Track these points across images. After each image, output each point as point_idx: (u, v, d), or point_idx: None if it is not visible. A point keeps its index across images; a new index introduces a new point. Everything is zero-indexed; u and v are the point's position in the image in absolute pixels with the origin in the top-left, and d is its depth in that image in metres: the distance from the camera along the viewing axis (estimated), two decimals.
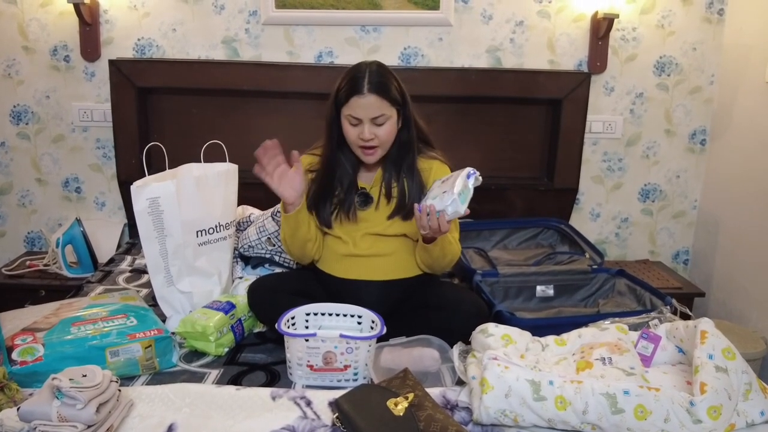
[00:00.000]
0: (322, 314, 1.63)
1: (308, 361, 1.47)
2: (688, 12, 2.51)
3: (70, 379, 1.21)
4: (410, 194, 1.72)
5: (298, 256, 1.81)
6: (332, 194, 1.75)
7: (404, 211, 1.72)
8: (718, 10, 2.51)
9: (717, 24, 2.53)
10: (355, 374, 1.49)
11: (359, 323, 1.62)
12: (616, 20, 2.42)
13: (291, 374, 1.52)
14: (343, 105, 1.64)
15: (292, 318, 1.59)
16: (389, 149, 1.71)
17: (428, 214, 1.51)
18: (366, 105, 1.61)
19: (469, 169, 1.53)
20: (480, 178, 1.53)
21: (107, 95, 2.50)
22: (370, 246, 1.74)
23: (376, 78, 1.62)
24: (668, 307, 1.73)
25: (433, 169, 1.75)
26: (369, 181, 1.78)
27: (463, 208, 1.49)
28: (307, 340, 1.46)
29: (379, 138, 1.65)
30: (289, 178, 1.64)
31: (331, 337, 1.46)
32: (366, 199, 1.76)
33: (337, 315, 1.63)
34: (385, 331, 1.51)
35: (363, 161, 1.71)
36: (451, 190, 1.49)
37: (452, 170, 1.77)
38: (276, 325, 1.51)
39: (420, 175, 1.73)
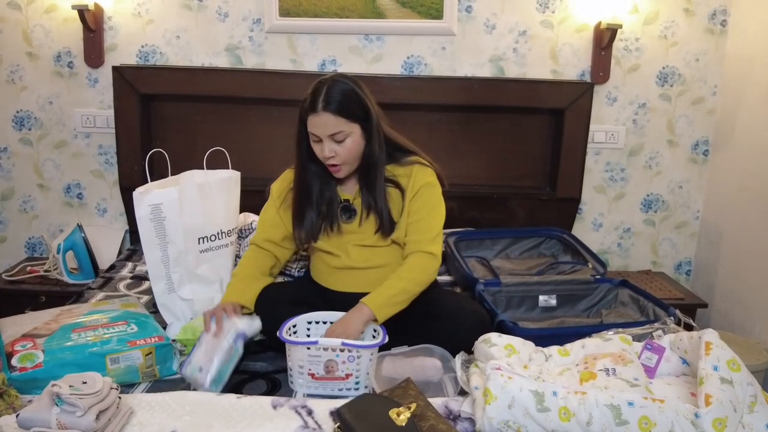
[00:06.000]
0: (324, 323, 1.62)
1: (309, 370, 1.46)
2: (690, 23, 2.52)
3: (69, 386, 1.21)
4: (384, 209, 1.68)
5: None
6: (312, 207, 1.72)
7: (385, 228, 1.69)
8: (720, 21, 2.52)
9: (720, 35, 2.53)
10: (357, 383, 1.48)
11: (361, 332, 1.61)
12: (619, 31, 2.43)
13: (292, 383, 1.51)
14: (306, 122, 1.63)
15: (294, 326, 1.59)
16: (361, 163, 1.68)
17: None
18: (321, 123, 1.58)
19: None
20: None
21: (110, 101, 2.51)
22: (367, 259, 1.72)
23: (330, 95, 1.57)
24: (672, 317, 1.72)
25: (413, 174, 1.71)
26: (351, 191, 1.75)
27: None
28: (308, 348, 1.45)
29: (340, 156, 1.61)
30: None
31: (332, 345, 1.45)
32: (349, 213, 1.73)
33: None
34: (387, 339, 1.50)
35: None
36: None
37: (436, 170, 1.73)
38: (278, 333, 1.50)
39: (385, 192, 1.69)
